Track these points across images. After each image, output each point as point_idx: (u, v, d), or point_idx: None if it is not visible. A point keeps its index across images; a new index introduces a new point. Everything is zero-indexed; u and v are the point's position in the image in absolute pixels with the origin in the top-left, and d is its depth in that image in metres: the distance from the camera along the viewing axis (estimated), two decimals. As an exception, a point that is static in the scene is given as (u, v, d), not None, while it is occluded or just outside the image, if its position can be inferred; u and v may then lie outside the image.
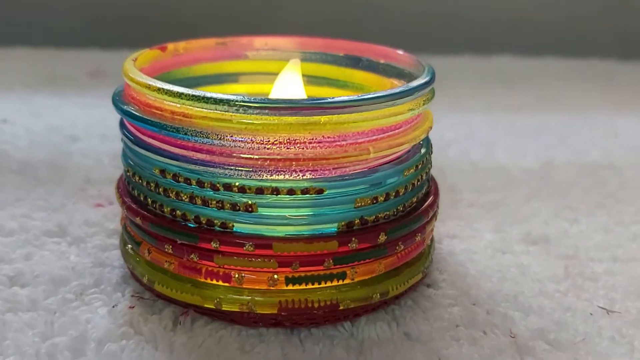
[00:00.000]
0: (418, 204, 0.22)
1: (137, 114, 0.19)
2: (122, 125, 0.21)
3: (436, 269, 0.24)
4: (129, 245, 0.21)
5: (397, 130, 0.20)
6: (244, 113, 0.18)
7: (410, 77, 0.23)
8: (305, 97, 0.23)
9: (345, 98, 0.19)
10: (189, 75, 0.25)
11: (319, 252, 0.19)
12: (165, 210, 0.20)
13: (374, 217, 0.20)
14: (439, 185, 0.24)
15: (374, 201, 0.20)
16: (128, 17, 0.50)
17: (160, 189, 0.19)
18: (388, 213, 0.20)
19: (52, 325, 0.19)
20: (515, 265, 0.24)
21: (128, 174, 0.21)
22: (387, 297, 0.20)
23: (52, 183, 0.28)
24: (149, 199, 0.20)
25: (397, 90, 0.19)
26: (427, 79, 0.21)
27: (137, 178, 0.20)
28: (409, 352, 0.19)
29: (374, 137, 0.19)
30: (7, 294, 0.20)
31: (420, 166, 0.21)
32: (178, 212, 0.19)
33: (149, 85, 0.19)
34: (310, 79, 0.26)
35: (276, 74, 0.24)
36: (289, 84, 0.23)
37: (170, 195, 0.19)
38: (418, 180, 0.21)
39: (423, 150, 0.22)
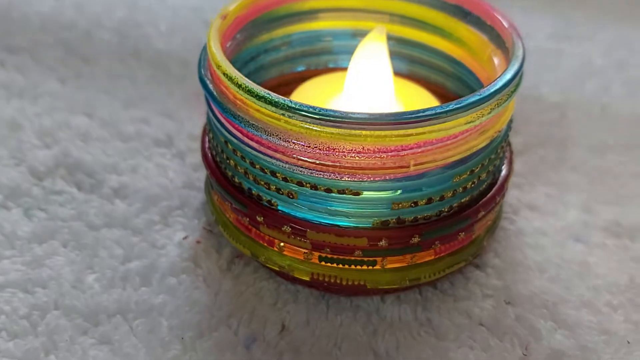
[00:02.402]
0: (471, 202, 0.21)
1: (210, 85, 0.21)
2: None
3: (493, 250, 0.24)
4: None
5: (448, 142, 0.19)
6: (289, 117, 0.19)
7: (507, 53, 0.22)
8: (389, 69, 0.23)
9: (390, 114, 0.19)
10: (289, 12, 0.25)
11: (350, 244, 0.20)
12: (228, 174, 0.22)
13: (412, 217, 0.20)
14: (551, 135, 0.23)
15: (413, 205, 0.20)
16: None
17: (224, 156, 0.22)
18: (430, 214, 0.21)
19: (133, 248, 0.23)
20: (578, 263, 0.24)
21: (206, 127, 0.23)
22: (418, 282, 0.22)
23: (176, 82, 0.31)
24: (217, 159, 0.22)
25: (449, 107, 0.19)
26: (499, 84, 0.20)
27: (211, 135, 0.22)
28: (419, 344, 0.21)
29: (420, 150, 0.19)
30: (109, 209, 0.24)
31: (478, 169, 0.21)
32: (236, 179, 0.21)
33: (220, 65, 0.20)
34: (416, 23, 0.25)
35: (359, 10, 0.25)
36: (372, 56, 0.22)
37: (230, 163, 0.21)
38: (473, 183, 0.21)
39: (492, 147, 0.21)
